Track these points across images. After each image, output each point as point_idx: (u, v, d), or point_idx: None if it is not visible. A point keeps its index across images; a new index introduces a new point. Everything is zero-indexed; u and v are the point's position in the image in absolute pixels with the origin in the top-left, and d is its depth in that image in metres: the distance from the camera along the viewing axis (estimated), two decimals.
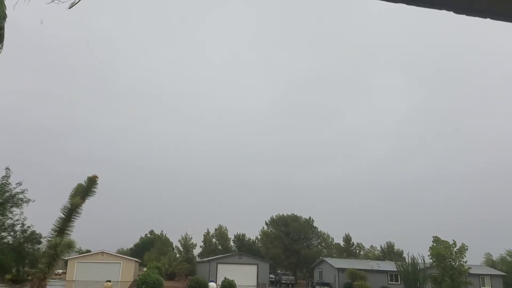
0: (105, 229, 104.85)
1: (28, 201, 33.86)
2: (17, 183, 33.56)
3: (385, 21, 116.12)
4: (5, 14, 3.94)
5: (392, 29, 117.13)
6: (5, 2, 3.80)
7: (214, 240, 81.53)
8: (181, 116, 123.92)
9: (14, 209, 33.56)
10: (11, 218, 33.76)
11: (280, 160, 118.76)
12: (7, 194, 33.11)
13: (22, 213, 34.33)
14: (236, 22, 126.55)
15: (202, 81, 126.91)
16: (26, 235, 34.88)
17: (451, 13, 1.93)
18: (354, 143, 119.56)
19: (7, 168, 33.28)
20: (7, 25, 4.06)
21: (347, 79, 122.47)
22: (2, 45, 3.92)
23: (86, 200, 16.11)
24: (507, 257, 70.25)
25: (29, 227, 35.22)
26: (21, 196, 33.62)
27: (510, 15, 1.86)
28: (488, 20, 1.96)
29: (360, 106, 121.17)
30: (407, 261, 50.95)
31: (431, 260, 47.17)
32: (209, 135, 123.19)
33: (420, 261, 48.94)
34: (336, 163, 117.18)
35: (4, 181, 33.12)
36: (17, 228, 34.60)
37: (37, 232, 35.40)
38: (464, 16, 1.95)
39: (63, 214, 15.67)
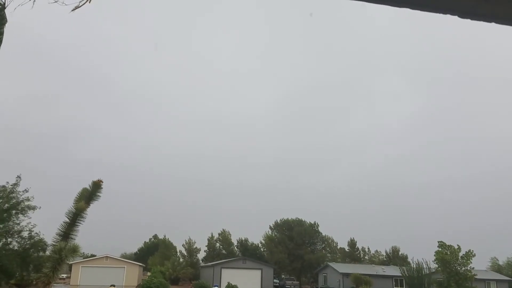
0: (109, 233, 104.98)
1: (34, 208, 34.05)
2: (23, 190, 33.77)
3: (390, 25, 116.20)
4: (6, 19, 3.93)
5: (397, 33, 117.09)
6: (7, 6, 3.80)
7: (218, 244, 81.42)
8: (184, 121, 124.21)
9: (20, 215, 33.70)
10: (17, 224, 33.87)
11: (284, 164, 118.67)
12: (13, 201, 33.29)
13: (30, 219, 34.44)
14: (241, 28, 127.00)
15: (206, 86, 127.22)
16: (33, 241, 34.92)
17: (456, 17, 1.93)
18: (358, 148, 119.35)
19: (18, 177, 33.74)
20: (10, 30, 4.07)
21: (351, 84, 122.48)
22: None
23: (90, 204, 16.16)
24: None
25: (37, 233, 35.28)
26: (27, 203, 33.79)
27: None
28: (493, 24, 1.96)
29: (364, 111, 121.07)
30: (412, 266, 50.65)
31: (436, 265, 46.89)
32: (213, 140, 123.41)
33: (425, 266, 48.66)
34: (341, 167, 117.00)
35: (12, 189, 33.39)
36: (25, 234, 34.67)
37: (44, 239, 35.43)
38: (468, 20, 1.95)
39: (68, 218, 15.72)
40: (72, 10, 3.03)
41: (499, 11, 1.86)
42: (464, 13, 1.88)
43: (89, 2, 3.27)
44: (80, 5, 2.99)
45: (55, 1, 2.96)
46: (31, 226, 34.67)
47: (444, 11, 1.88)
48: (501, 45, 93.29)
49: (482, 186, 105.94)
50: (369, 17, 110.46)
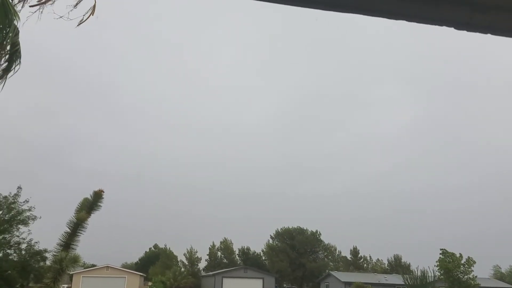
0: (110, 243, 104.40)
1: (34, 218, 34.21)
2: (24, 201, 33.99)
3: (387, 37, 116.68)
4: (18, 29, 3.96)
5: (394, 45, 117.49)
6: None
7: (219, 253, 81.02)
8: (184, 129, 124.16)
9: (20, 226, 33.83)
10: (17, 236, 34.01)
11: (285, 171, 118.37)
12: (14, 211, 33.48)
13: (29, 231, 34.56)
14: (241, 37, 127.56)
15: (206, 95, 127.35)
16: (32, 252, 34.95)
17: (452, 29, 1.97)
18: (359, 155, 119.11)
19: (18, 187, 33.99)
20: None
21: (350, 93, 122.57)
22: (20, 62, 3.92)
23: (92, 214, 16.15)
24: None
25: (36, 242, 35.31)
26: (28, 213, 33.98)
27: (509, 30, 1.89)
28: (489, 35, 2.00)
29: (363, 118, 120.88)
30: (416, 274, 50.31)
31: (439, 273, 46.66)
32: (213, 148, 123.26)
33: (428, 274, 48.35)
34: (342, 175, 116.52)
35: (13, 200, 33.61)
36: (23, 246, 34.76)
37: (43, 249, 35.43)
38: (464, 31, 1.99)
39: (69, 228, 15.70)
40: (77, 25, 3.09)
41: (494, 23, 1.90)
42: (459, 25, 1.92)
43: (92, 15, 3.34)
44: (84, 19, 3.05)
45: (60, 17, 3.02)
46: (30, 239, 34.84)
47: (440, 23, 1.92)
48: (497, 54, 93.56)
49: (484, 192, 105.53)
50: (367, 26, 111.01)
